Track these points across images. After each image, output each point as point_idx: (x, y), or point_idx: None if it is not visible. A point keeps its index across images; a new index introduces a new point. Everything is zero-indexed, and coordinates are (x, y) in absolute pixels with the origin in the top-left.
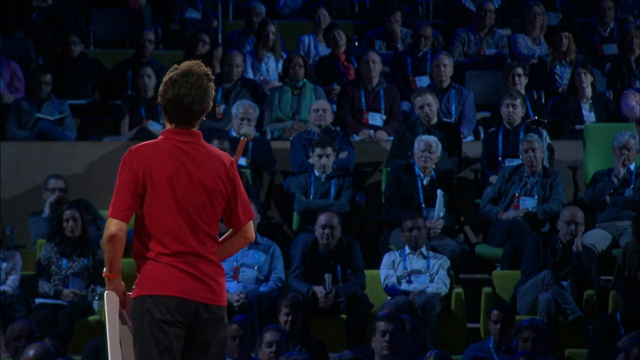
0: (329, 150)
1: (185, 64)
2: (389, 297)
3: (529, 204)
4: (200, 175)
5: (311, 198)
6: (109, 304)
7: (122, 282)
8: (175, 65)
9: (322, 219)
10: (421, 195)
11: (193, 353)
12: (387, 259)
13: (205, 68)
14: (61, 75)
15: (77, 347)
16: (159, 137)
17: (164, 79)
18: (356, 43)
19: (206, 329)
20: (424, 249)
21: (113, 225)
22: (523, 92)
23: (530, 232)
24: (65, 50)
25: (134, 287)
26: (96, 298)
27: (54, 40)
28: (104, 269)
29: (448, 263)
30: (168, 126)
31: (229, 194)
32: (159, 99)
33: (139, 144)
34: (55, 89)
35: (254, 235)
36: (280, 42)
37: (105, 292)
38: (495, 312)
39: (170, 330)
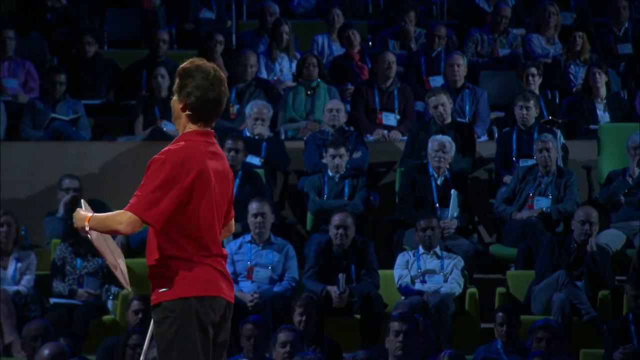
0: (342, 150)
1: (206, 63)
2: (402, 297)
3: (543, 204)
4: (224, 178)
5: (325, 198)
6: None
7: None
8: (198, 64)
9: (336, 219)
10: (435, 195)
11: (213, 353)
12: (401, 259)
13: None
14: (75, 75)
15: (91, 347)
16: (187, 140)
17: (196, 80)
18: (370, 43)
19: (226, 328)
20: (437, 249)
21: (137, 227)
22: (537, 92)
23: (544, 232)
24: (80, 51)
25: (165, 289)
26: (110, 298)
27: (69, 40)
28: (87, 223)
29: (462, 263)
30: (191, 127)
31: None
32: (191, 99)
33: (175, 148)
34: (69, 89)
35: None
36: (294, 42)
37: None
38: (500, 314)
39: (210, 332)
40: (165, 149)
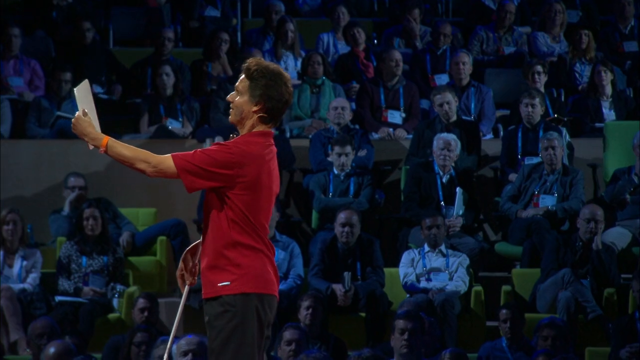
0: (348, 149)
1: (271, 64)
2: (408, 295)
3: (548, 202)
4: (276, 180)
5: (330, 196)
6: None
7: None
8: (266, 64)
9: (341, 217)
10: (440, 193)
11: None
12: (406, 257)
13: None
14: (79, 69)
15: (97, 345)
16: (252, 142)
17: (271, 83)
18: (375, 41)
19: (272, 323)
20: (443, 247)
21: (162, 175)
22: (542, 90)
23: (549, 230)
24: (79, 38)
25: (226, 283)
26: (116, 296)
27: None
28: (101, 144)
29: (467, 261)
30: (260, 128)
31: None
32: (271, 102)
33: (246, 147)
34: (75, 86)
35: None
36: (299, 40)
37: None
38: (504, 311)
39: (265, 329)
40: (235, 140)
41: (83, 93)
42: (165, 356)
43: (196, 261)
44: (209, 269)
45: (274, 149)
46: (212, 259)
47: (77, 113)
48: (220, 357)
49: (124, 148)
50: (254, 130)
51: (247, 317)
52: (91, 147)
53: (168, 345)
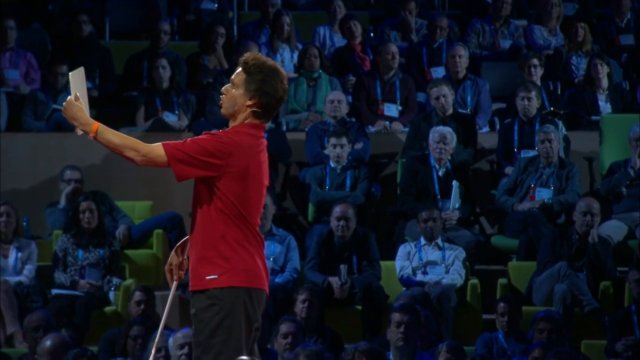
0: (344, 140)
1: (269, 59)
2: (404, 289)
3: (544, 195)
4: (265, 172)
5: (327, 189)
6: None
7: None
8: (263, 60)
9: (337, 210)
10: (436, 186)
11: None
12: (402, 250)
13: None
14: (75, 62)
15: (93, 338)
16: (242, 132)
17: (267, 79)
18: (371, 34)
19: (260, 317)
20: (439, 240)
21: (152, 163)
22: (539, 83)
23: (546, 223)
24: (76, 30)
25: (214, 276)
26: (112, 289)
27: (69, 30)
28: (90, 130)
29: (463, 254)
30: (252, 121)
31: None
32: (266, 98)
33: (235, 136)
34: None
35: None
36: (295, 33)
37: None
38: (502, 304)
39: (253, 323)
40: (226, 130)
41: (78, 79)
42: (153, 350)
43: (185, 257)
44: (197, 261)
45: (265, 141)
46: (201, 250)
47: (69, 97)
48: (206, 350)
49: (113, 135)
50: (246, 122)
51: (234, 311)
52: (80, 132)
53: (156, 339)
